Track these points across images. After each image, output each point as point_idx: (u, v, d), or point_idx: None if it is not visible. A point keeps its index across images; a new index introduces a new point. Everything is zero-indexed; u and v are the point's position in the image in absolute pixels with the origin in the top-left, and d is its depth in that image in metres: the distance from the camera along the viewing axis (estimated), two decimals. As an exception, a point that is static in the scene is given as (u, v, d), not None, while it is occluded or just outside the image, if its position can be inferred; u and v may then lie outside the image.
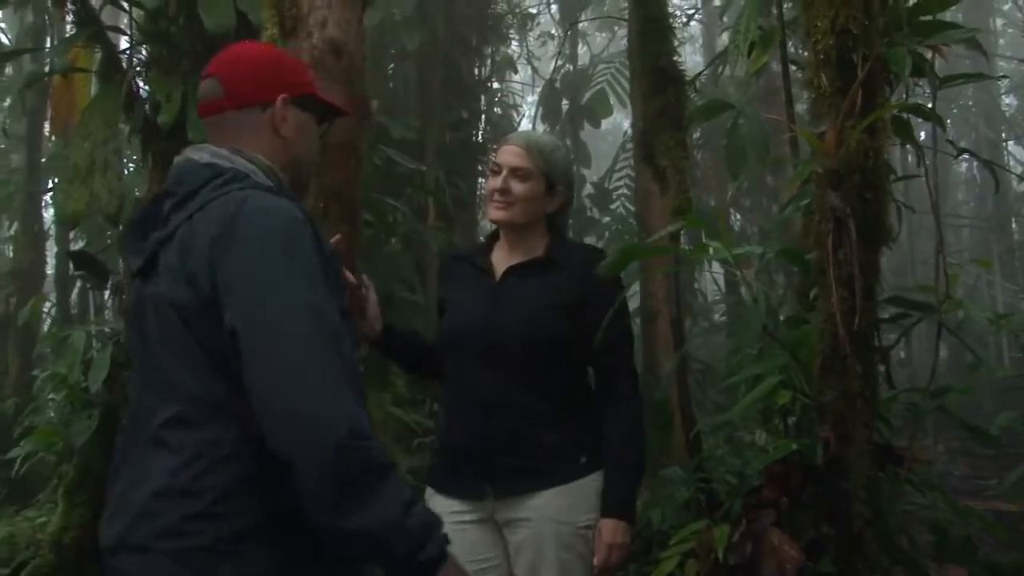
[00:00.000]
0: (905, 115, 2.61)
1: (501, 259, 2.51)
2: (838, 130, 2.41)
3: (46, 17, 7.62)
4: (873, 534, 2.34)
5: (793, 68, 3.54)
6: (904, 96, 2.64)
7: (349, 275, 2.24)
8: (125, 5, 4.33)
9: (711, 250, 2.57)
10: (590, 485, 2.35)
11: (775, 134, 4.23)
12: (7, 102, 8.51)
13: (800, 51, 3.94)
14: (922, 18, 2.62)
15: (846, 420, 2.44)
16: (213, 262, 1.54)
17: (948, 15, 2.82)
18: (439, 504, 2.43)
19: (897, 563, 2.36)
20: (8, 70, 8.35)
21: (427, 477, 2.54)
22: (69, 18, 4.64)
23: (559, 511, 2.32)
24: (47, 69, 4.63)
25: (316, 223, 1.69)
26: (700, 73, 4.99)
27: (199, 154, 1.74)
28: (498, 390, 2.36)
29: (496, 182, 2.44)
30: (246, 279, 1.52)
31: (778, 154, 5.43)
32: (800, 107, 4.03)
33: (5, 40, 8.73)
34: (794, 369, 2.70)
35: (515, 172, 2.43)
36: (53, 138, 7.65)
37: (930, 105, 2.67)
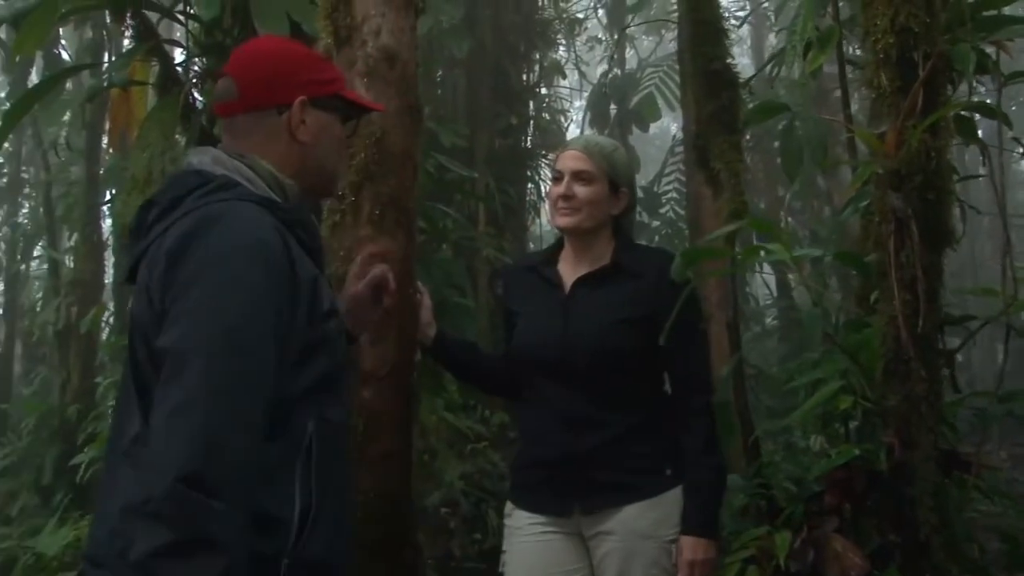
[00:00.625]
0: (969, 114, 2.56)
1: (568, 269, 2.49)
2: (899, 130, 2.37)
3: (104, 33, 7.80)
4: (940, 541, 2.29)
5: (848, 69, 3.49)
6: (967, 94, 2.59)
7: (389, 280, 2.19)
8: (181, 18, 4.40)
9: (769, 252, 2.54)
10: (675, 498, 2.34)
11: (828, 136, 4.16)
12: (67, 116, 8.70)
13: (856, 51, 3.89)
14: (985, 13, 2.56)
15: (910, 425, 2.39)
16: (165, 279, 1.48)
17: (1012, 10, 2.76)
18: (522, 517, 2.42)
19: (966, 572, 2.31)
20: (68, 85, 8.55)
21: (509, 493, 2.54)
22: (127, 33, 4.73)
23: (645, 525, 2.30)
24: (106, 83, 4.71)
25: (304, 238, 1.62)
26: (754, 75, 4.94)
27: (197, 158, 1.67)
28: (578, 405, 2.35)
29: (560, 188, 2.42)
30: (180, 300, 1.45)
31: (832, 156, 5.36)
32: (853, 108, 3.97)
33: (66, 56, 8.95)
34: (855, 373, 2.65)
35: (578, 176, 2.42)
36: (111, 150, 7.83)
37: (995, 103, 2.61)
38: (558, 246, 2.56)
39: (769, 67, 4.88)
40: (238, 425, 1.40)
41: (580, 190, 2.41)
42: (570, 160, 2.44)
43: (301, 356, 1.55)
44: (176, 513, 1.31)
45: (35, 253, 11.19)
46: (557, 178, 2.46)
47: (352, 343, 2.15)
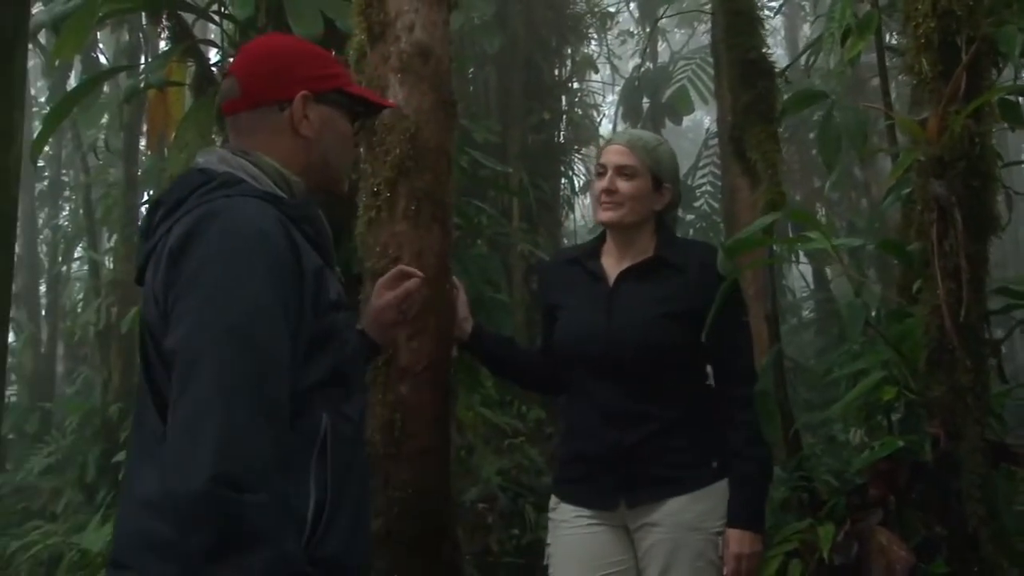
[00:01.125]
0: (1014, 98, 2.51)
1: (612, 262, 2.48)
2: (941, 116, 2.32)
3: (141, 35, 7.90)
4: (989, 534, 2.25)
5: (887, 56, 3.44)
6: (1013, 78, 2.53)
7: (413, 272, 2.18)
8: (216, 19, 4.43)
9: (810, 242, 2.50)
10: (721, 491, 2.32)
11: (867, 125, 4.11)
12: (105, 119, 8.81)
13: (894, 38, 3.83)
14: (1031, -6, 2.50)
15: (956, 416, 2.35)
16: (167, 278, 1.48)
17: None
18: (567, 511, 2.42)
19: (1016, 564, 2.26)
20: (105, 88, 8.67)
21: (553, 487, 2.54)
22: (163, 34, 4.78)
23: (691, 517, 2.29)
24: (143, 85, 4.76)
25: (312, 232, 1.60)
26: (790, 65, 4.89)
27: (204, 158, 1.67)
28: (624, 399, 2.34)
29: (603, 183, 2.42)
30: (184, 299, 1.44)
31: (870, 145, 5.29)
32: (891, 96, 3.91)
33: (103, 60, 9.08)
34: (898, 364, 2.61)
35: (621, 171, 2.41)
36: (148, 151, 7.93)
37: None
38: (600, 239, 2.55)
39: (805, 56, 4.82)
40: (259, 418, 1.38)
41: (623, 185, 2.40)
42: (613, 155, 2.43)
43: (309, 348, 1.54)
44: (215, 514, 1.31)
45: (75, 254, 11.35)
46: (600, 172, 2.45)
47: (377, 354, 2.14)
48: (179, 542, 1.33)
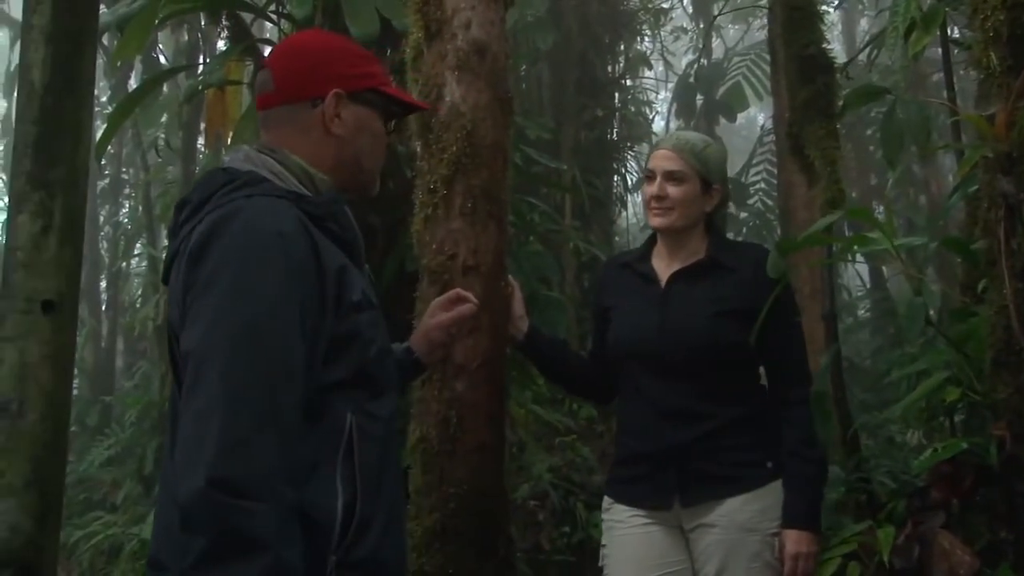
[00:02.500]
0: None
1: (663, 264, 2.49)
2: (1009, 111, 2.27)
3: (200, 35, 8.03)
4: (1056, 539, 2.20)
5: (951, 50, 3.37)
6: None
7: (468, 297, 2.16)
8: (274, 18, 4.49)
9: (871, 242, 2.46)
10: (777, 491, 2.31)
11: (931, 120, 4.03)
12: (165, 118, 8.97)
13: (958, 32, 3.74)
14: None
15: (1023, 418, 2.30)
16: (187, 279, 1.47)
17: None
18: (622, 511, 2.42)
19: (1084, 571, 2.21)
20: (165, 88, 8.84)
21: (606, 487, 2.54)
22: (222, 34, 4.86)
23: (747, 518, 2.29)
24: (201, 84, 4.84)
25: (338, 232, 1.58)
26: (851, 60, 4.81)
27: (230, 156, 1.65)
28: (677, 399, 2.34)
29: (653, 188, 2.43)
30: (200, 299, 1.43)
31: (933, 142, 5.18)
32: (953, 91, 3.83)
33: (163, 60, 9.24)
34: (962, 365, 2.57)
35: (670, 176, 2.41)
36: (207, 150, 8.05)
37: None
38: (651, 242, 2.56)
39: (866, 51, 4.74)
40: (264, 423, 1.36)
41: (672, 190, 2.41)
42: (662, 160, 2.43)
43: (330, 348, 1.52)
44: (208, 518, 1.30)
45: (135, 251, 11.57)
46: (650, 177, 2.45)
47: (421, 372, 2.12)
48: (182, 544, 1.32)
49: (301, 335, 1.44)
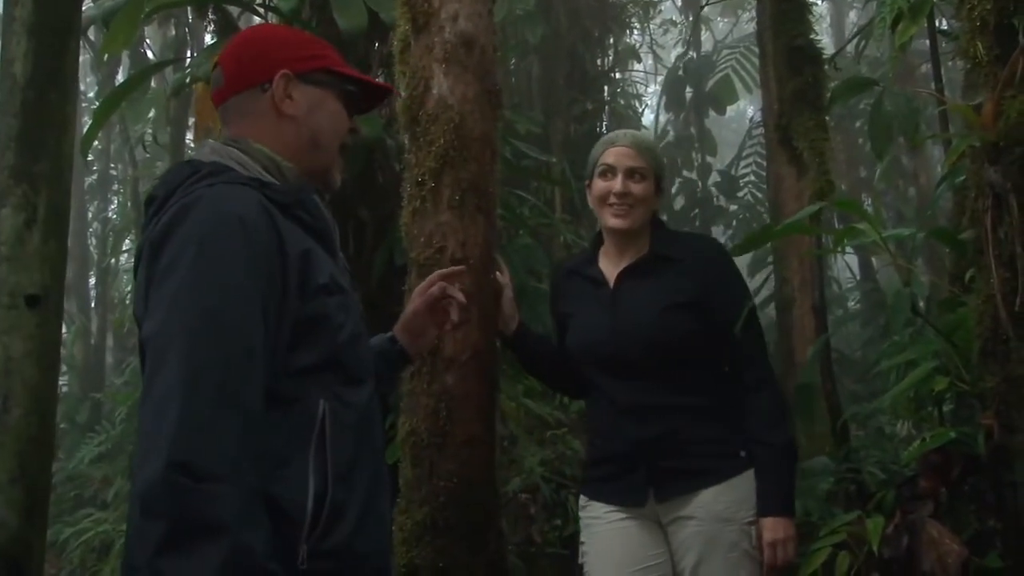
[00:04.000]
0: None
1: (610, 265, 2.48)
2: (996, 101, 2.27)
3: (187, 29, 8.00)
4: (1044, 528, 2.21)
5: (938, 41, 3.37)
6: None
7: (454, 298, 2.07)
8: (261, 11, 4.47)
9: (859, 234, 2.47)
10: (751, 480, 2.31)
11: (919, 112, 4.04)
12: (152, 113, 8.94)
13: (945, 23, 3.75)
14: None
15: (1010, 407, 2.29)
16: (148, 271, 1.46)
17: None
18: (598, 508, 2.42)
19: (1072, 559, 2.21)
20: (152, 83, 8.80)
21: (582, 487, 2.54)
22: (209, 28, 4.84)
23: (723, 508, 2.29)
24: (189, 79, 4.82)
25: (303, 215, 1.56)
26: (839, 51, 4.82)
27: (199, 149, 1.65)
28: (639, 395, 2.34)
29: (615, 185, 2.38)
30: (160, 287, 1.42)
31: (921, 133, 5.19)
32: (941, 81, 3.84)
33: (150, 54, 9.20)
34: (950, 354, 2.57)
35: (632, 173, 2.39)
36: (193, 144, 8.03)
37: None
38: (596, 245, 2.54)
39: (854, 42, 4.75)
40: (224, 407, 1.35)
41: (635, 187, 2.39)
42: (624, 157, 2.40)
43: (296, 332, 1.50)
44: (168, 502, 1.28)
45: (124, 247, 11.54)
46: (605, 173, 2.42)
47: (408, 363, 2.10)
48: (140, 531, 1.30)
49: (262, 319, 1.44)
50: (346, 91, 1.76)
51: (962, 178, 2.63)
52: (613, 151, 2.43)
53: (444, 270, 2.14)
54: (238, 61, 1.68)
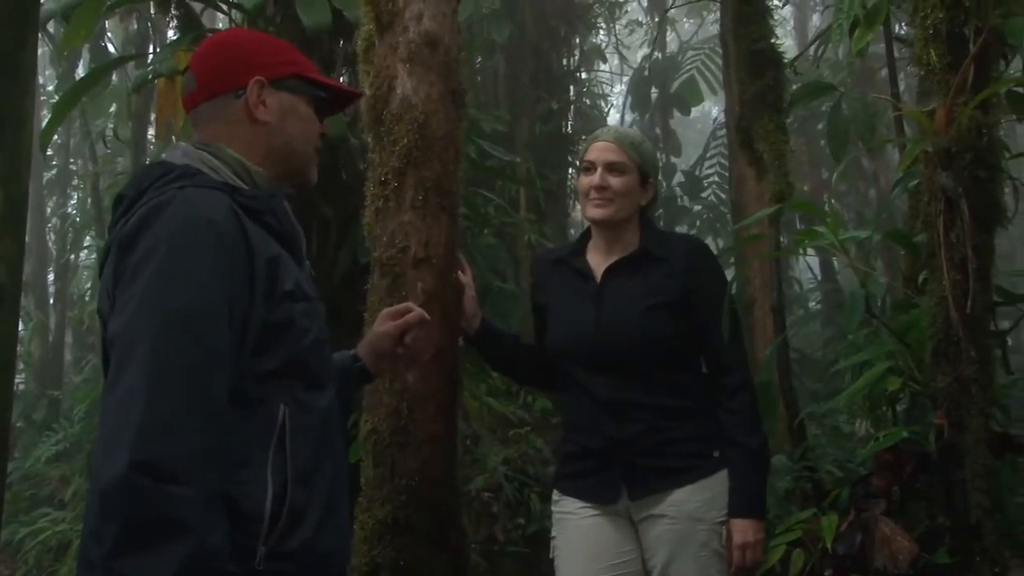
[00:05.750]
0: (1022, 89, 2.50)
1: (598, 259, 2.49)
2: (948, 107, 2.32)
3: (149, 24, 7.92)
4: (992, 525, 2.26)
5: (895, 47, 3.43)
6: (1021, 69, 2.53)
7: (419, 310, 2.10)
8: (224, 7, 4.44)
9: (816, 236, 2.51)
10: (723, 480, 2.34)
11: (875, 116, 4.10)
12: (114, 108, 8.83)
13: (903, 29, 3.81)
14: (1039, -14, 2.50)
15: (960, 407, 2.35)
16: (116, 269, 1.46)
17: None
18: (571, 503, 2.44)
19: (1018, 554, 2.27)
20: (114, 78, 8.69)
21: (555, 482, 2.55)
22: (172, 23, 4.79)
23: (694, 508, 2.31)
24: (151, 74, 4.78)
25: (270, 218, 1.57)
26: (799, 55, 4.88)
27: (170, 151, 1.66)
28: (619, 393, 2.35)
29: (593, 179, 2.41)
30: (128, 287, 1.42)
31: (878, 136, 5.28)
32: (899, 87, 3.90)
33: (112, 49, 9.09)
34: (903, 355, 2.62)
35: (611, 167, 2.41)
36: (157, 140, 7.95)
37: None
38: (585, 237, 2.56)
39: (814, 47, 4.81)
40: (189, 407, 1.35)
41: (614, 181, 2.41)
42: (603, 151, 2.43)
43: (262, 337, 1.51)
44: (129, 502, 1.27)
45: (84, 243, 11.38)
46: (588, 168, 2.45)
47: (367, 381, 2.10)
48: (96, 531, 1.29)
49: (228, 322, 1.44)
50: (317, 96, 1.77)
51: (916, 182, 2.68)
52: (595, 146, 2.46)
53: (419, 314, 2.10)
54: (211, 66, 1.69)
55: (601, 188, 2.40)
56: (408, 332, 2.05)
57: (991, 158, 2.32)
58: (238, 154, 1.65)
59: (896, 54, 3.64)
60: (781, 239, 3.53)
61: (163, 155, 1.67)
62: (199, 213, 1.46)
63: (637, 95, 10.98)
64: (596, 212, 2.43)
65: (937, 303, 2.40)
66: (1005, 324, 2.76)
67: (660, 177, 2.62)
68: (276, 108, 1.69)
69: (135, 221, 1.47)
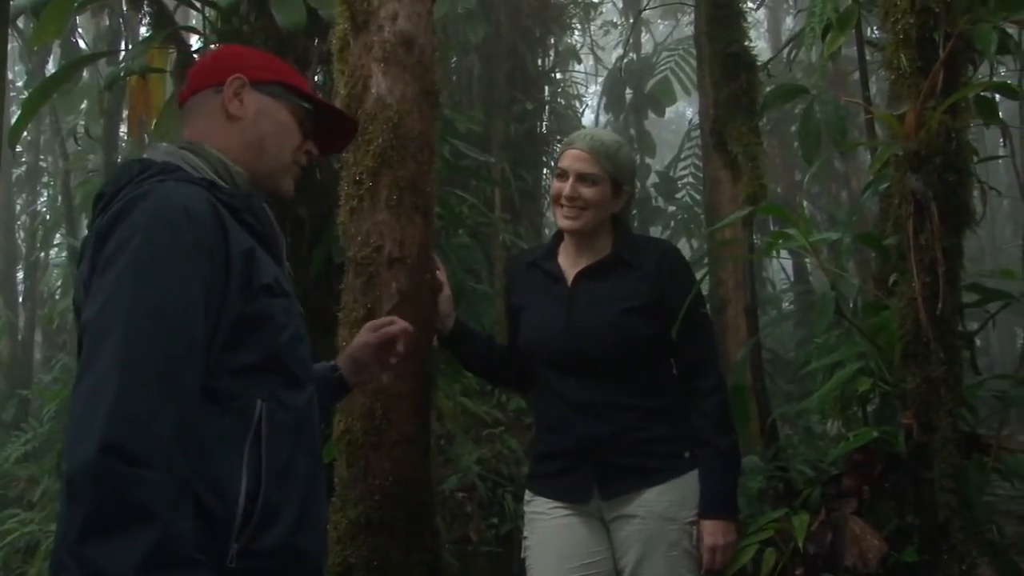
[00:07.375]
0: (990, 94, 2.54)
1: (569, 263, 2.50)
2: (918, 111, 2.35)
3: (121, 21, 7.84)
4: (959, 524, 2.29)
5: (867, 50, 3.46)
6: (989, 74, 2.56)
7: (403, 323, 2.12)
8: (198, 5, 4.40)
9: (788, 239, 2.53)
10: (694, 480, 2.36)
11: (847, 118, 4.14)
12: (85, 105, 8.74)
13: (875, 32, 3.85)
14: (1007, -7, 2.53)
15: (929, 407, 2.38)
16: (93, 260, 1.47)
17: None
18: (542, 503, 2.44)
19: (985, 554, 2.30)
20: (85, 74, 8.60)
21: (527, 482, 2.56)
22: (144, 20, 4.74)
23: (665, 508, 2.33)
24: (123, 71, 4.73)
25: (247, 214, 1.58)
26: (772, 58, 4.91)
27: (152, 149, 1.68)
28: (590, 394, 2.37)
29: (565, 188, 2.42)
30: (103, 275, 1.42)
31: (850, 139, 5.33)
32: (871, 90, 3.95)
33: (83, 45, 8.99)
34: (874, 356, 2.65)
35: (583, 178, 2.42)
36: (129, 138, 7.87)
37: (1016, 83, 2.58)
38: (557, 240, 2.57)
39: (787, 50, 4.85)
40: (161, 393, 1.34)
41: (585, 191, 2.42)
42: (576, 161, 2.43)
43: (237, 330, 1.51)
44: (98, 485, 1.26)
45: (54, 241, 11.26)
46: (561, 175, 2.45)
47: (346, 392, 2.11)
48: (64, 516, 1.27)
49: (203, 311, 1.44)
50: (300, 108, 1.79)
51: (887, 185, 2.71)
52: (569, 153, 2.46)
53: (402, 326, 2.11)
54: (201, 66, 1.79)
55: (572, 198, 2.41)
56: (387, 344, 2.06)
57: (960, 162, 2.35)
58: (220, 153, 1.67)
59: (868, 58, 3.68)
60: (755, 241, 3.56)
61: (144, 153, 1.69)
62: (176, 203, 1.46)
63: (612, 96, 11.02)
64: (566, 223, 2.44)
65: (907, 305, 2.43)
66: (973, 326, 2.79)
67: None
68: (252, 106, 1.72)
69: (112, 213, 1.47)
